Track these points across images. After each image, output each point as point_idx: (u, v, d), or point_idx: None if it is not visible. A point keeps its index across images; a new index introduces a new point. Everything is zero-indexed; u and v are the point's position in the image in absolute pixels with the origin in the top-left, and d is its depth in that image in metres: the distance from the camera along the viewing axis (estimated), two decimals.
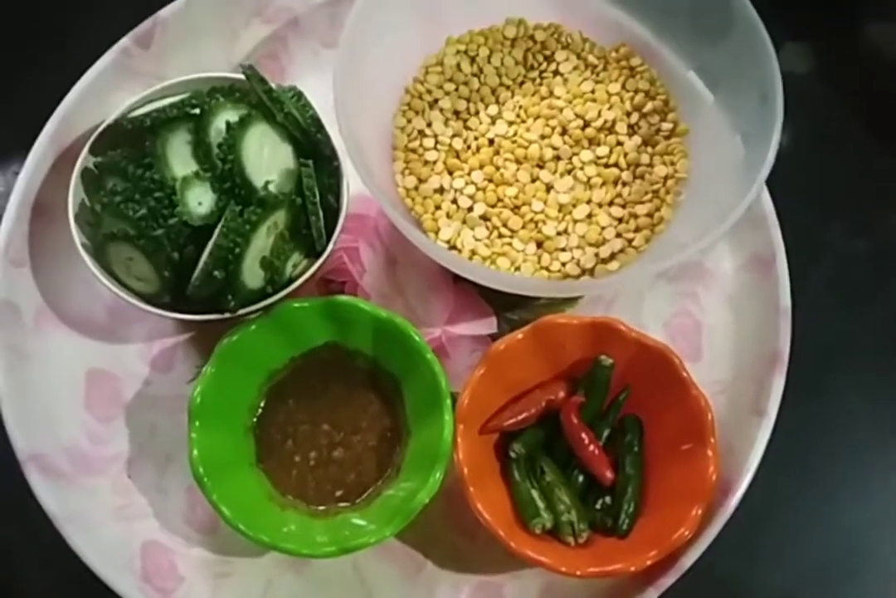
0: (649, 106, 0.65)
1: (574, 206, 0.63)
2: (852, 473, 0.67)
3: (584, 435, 0.59)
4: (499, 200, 0.63)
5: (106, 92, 0.65)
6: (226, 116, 0.58)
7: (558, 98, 0.66)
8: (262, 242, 0.57)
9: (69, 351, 0.63)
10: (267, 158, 0.58)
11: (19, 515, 0.62)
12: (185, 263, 0.57)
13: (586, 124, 0.65)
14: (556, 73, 0.67)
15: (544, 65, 0.67)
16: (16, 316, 0.62)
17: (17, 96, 0.72)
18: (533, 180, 0.64)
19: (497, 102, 0.66)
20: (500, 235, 0.63)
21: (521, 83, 0.67)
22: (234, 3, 0.68)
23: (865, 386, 0.69)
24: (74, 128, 0.64)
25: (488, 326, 0.63)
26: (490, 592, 0.61)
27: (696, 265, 0.67)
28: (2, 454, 0.60)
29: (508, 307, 0.64)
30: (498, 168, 0.64)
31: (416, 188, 0.64)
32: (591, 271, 0.63)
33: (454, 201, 0.64)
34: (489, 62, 0.67)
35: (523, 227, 0.63)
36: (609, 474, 0.59)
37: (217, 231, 0.56)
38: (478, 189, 0.64)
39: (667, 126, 0.65)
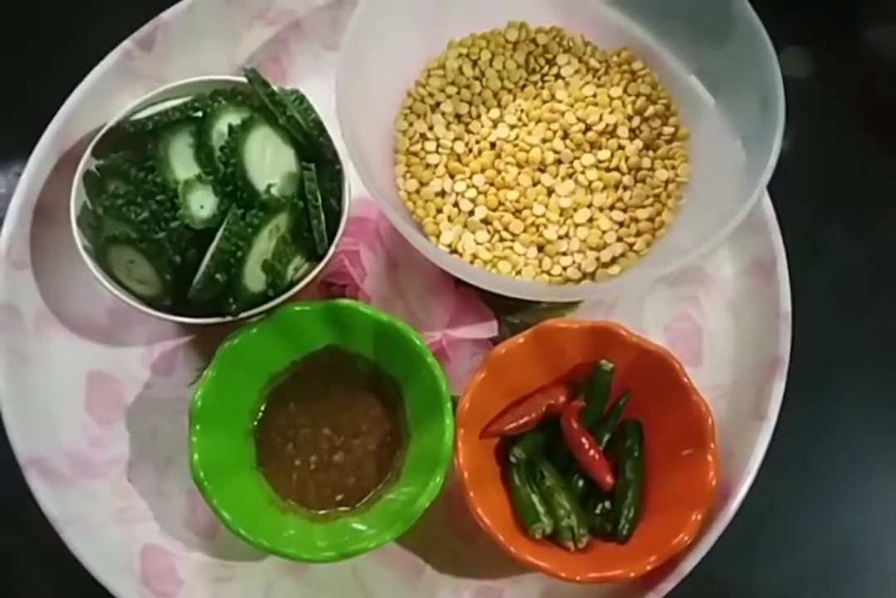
0: (650, 110, 0.65)
1: (575, 210, 0.63)
2: (852, 476, 0.67)
3: (584, 440, 0.59)
4: (500, 203, 0.63)
5: (108, 94, 0.65)
6: (228, 119, 0.58)
7: (560, 102, 0.66)
8: (263, 245, 0.57)
9: (70, 354, 0.63)
10: (269, 162, 0.58)
11: (19, 518, 0.62)
12: (186, 266, 0.57)
13: (588, 128, 0.65)
14: (557, 76, 0.67)
15: (546, 68, 0.67)
16: (17, 319, 0.62)
17: (19, 98, 0.72)
18: (534, 184, 0.64)
19: (499, 105, 0.66)
20: (502, 239, 0.63)
21: (523, 87, 0.67)
22: (235, 5, 0.68)
23: (865, 390, 0.69)
24: (76, 130, 0.64)
25: (489, 329, 0.63)
26: (490, 596, 0.61)
27: (696, 270, 0.67)
28: (2, 458, 0.60)
29: (509, 311, 0.64)
30: (499, 172, 0.64)
31: (418, 192, 0.64)
32: (592, 275, 0.63)
33: (455, 205, 0.64)
34: (491, 65, 0.67)
35: (524, 230, 0.63)
36: (609, 479, 0.59)
37: (219, 234, 0.56)
38: (479, 193, 0.64)
39: (668, 130, 0.65)
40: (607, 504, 0.60)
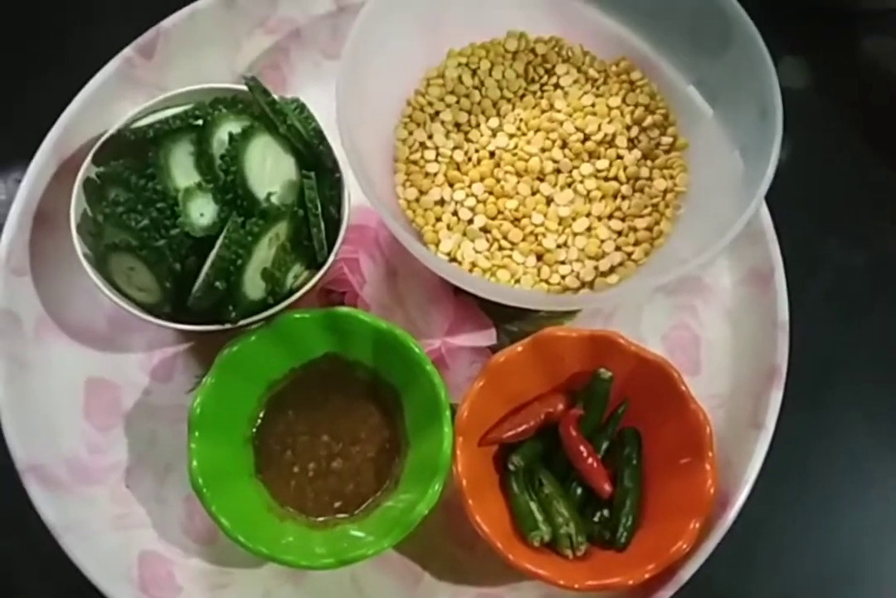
0: (649, 120, 0.66)
1: (574, 219, 0.64)
2: (850, 484, 0.67)
3: (582, 448, 0.59)
4: (499, 212, 0.64)
5: (109, 101, 0.65)
6: (228, 127, 0.59)
7: (559, 111, 0.66)
8: (263, 253, 0.57)
9: (69, 360, 0.63)
10: (269, 170, 0.59)
11: (17, 525, 0.62)
12: (186, 273, 0.57)
13: (586, 138, 0.65)
14: (556, 86, 0.67)
15: (545, 78, 0.67)
16: (16, 325, 0.62)
17: (19, 104, 0.72)
18: (533, 193, 0.64)
19: (498, 114, 0.66)
20: (501, 248, 0.63)
21: (522, 96, 0.67)
22: (236, 13, 0.69)
23: (863, 398, 0.69)
24: (77, 137, 0.64)
25: (488, 337, 0.64)
26: None
27: (694, 279, 0.67)
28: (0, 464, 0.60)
29: (508, 319, 0.64)
30: (498, 181, 0.64)
31: (417, 200, 0.65)
32: (591, 284, 0.63)
33: (455, 213, 0.64)
34: (490, 75, 0.67)
35: (523, 239, 0.63)
36: (607, 487, 0.59)
37: (219, 242, 0.56)
38: (478, 201, 0.64)
39: (666, 140, 0.66)
40: (605, 512, 0.60)
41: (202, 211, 0.57)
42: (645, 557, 0.56)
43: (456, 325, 0.63)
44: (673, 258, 0.61)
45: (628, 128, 0.66)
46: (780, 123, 0.58)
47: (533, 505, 0.59)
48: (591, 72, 0.67)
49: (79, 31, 0.73)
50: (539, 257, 0.63)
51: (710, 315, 0.67)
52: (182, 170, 0.58)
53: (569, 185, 0.65)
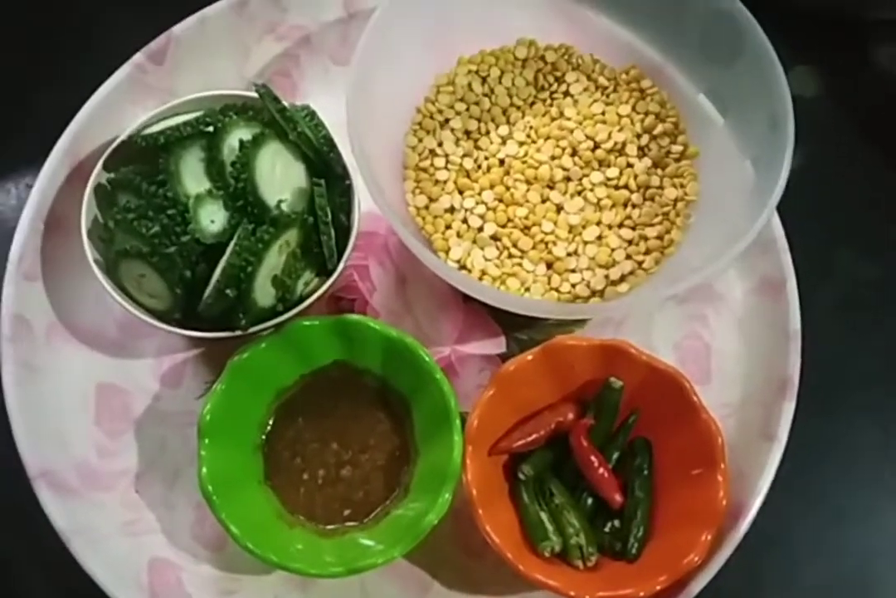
0: (659, 128, 0.66)
1: (584, 227, 0.64)
2: (862, 497, 0.67)
3: (593, 458, 0.59)
4: (509, 220, 0.64)
5: (119, 107, 0.65)
6: (239, 134, 0.59)
7: (569, 119, 0.66)
8: (273, 260, 0.57)
9: (79, 366, 0.63)
10: (279, 177, 0.59)
11: (26, 530, 0.62)
12: (196, 280, 0.57)
13: (596, 146, 0.65)
14: (566, 94, 0.67)
15: (555, 86, 0.67)
16: (27, 330, 0.62)
17: (31, 109, 0.72)
18: (543, 201, 0.64)
19: (508, 122, 0.66)
20: (511, 256, 0.63)
21: (532, 104, 0.67)
22: (246, 20, 0.69)
23: (875, 409, 0.69)
24: (88, 142, 0.64)
25: (497, 345, 0.63)
26: None
27: (705, 288, 0.67)
28: (8, 468, 0.60)
29: (517, 327, 0.64)
30: (508, 188, 0.64)
31: (427, 207, 0.65)
32: (601, 293, 0.63)
33: (464, 221, 0.64)
34: (500, 82, 0.67)
35: (533, 247, 0.63)
36: (618, 498, 0.58)
37: (229, 250, 0.56)
38: (488, 209, 0.64)
39: (677, 148, 0.66)
40: (616, 523, 0.59)
41: (213, 218, 0.57)
42: (656, 568, 0.56)
43: (465, 332, 0.63)
44: (684, 267, 0.61)
45: (638, 136, 0.66)
46: (792, 134, 0.58)
47: (543, 515, 0.58)
48: (602, 80, 0.67)
49: (90, 37, 0.73)
50: (549, 266, 0.63)
51: (721, 324, 0.67)
52: (193, 176, 0.58)
53: (579, 193, 0.65)
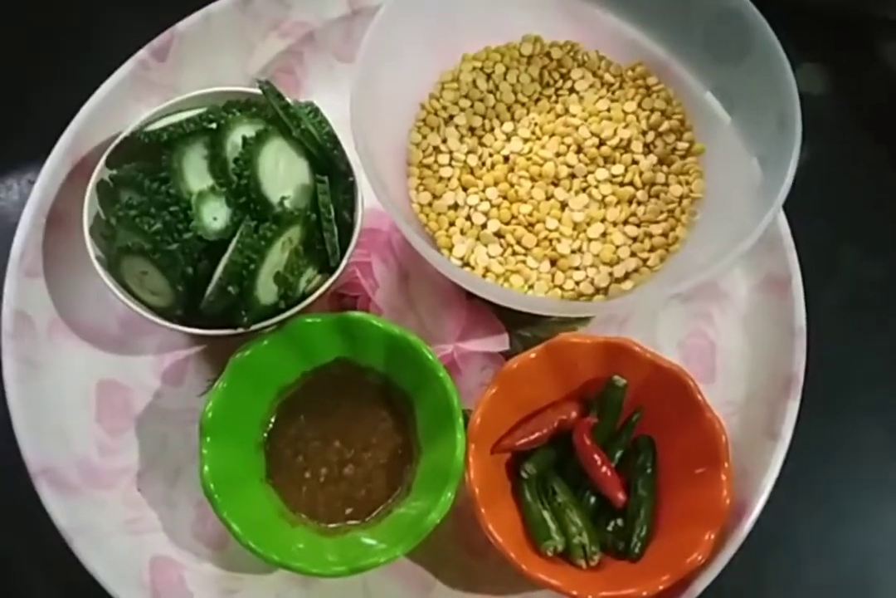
0: (665, 125, 0.65)
1: (588, 224, 0.63)
2: (866, 496, 0.66)
3: (596, 456, 0.58)
4: (513, 217, 0.63)
5: (122, 103, 0.65)
6: (242, 130, 0.58)
7: (574, 116, 0.66)
8: (276, 257, 0.57)
9: (81, 362, 0.63)
10: (282, 174, 0.58)
11: (27, 527, 0.62)
12: (199, 277, 0.57)
13: (602, 143, 0.65)
14: (571, 90, 0.67)
15: (560, 82, 0.67)
16: (29, 327, 0.62)
17: (33, 105, 0.72)
18: (547, 198, 0.64)
19: (512, 118, 0.66)
20: (514, 253, 0.63)
21: (537, 100, 0.67)
22: (250, 16, 0.69)
23: (880, 408, 0.68)
24: (90, 139, 0.64)
25: (500, 343, 0.63)
26: None
27: (710, 286, 0.66)
28: (9, 465, 0.59)
29: (521, 324, 0.64)
30: (512, 185, 0.64)
31: (431, 204, 0.64)
32: (605, 290, 0.62)
33: (468, 218, 0.64)
34: (505, 79, 0.67)
35: (537, 244, 0.63)
36: (621, 496, 0.58)
37: (232, 247, 0.56)
38: (492, 206, 0.64)
39: (682, 145, 0.65)
40: (619, 522, 0.59)
41: (215, 215, 0.57)
42: (659, 568, 0.56)
43: (468, 330, 0.63)
44: (689, 265, 0.61)
45: (644, 133, 0.65)
46: (799, 134, 0.57)
47: (546, 514, 0.58)
48: (607, 76, 0.67)
49: (93, 33, 0.73)
50: (553, 263, 0.63)
51: (726, 322, 0.66)
52: (195, 173, 0.58)
53: (583, 190, 0.64)
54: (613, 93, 0.67)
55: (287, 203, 0.58)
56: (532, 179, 0.64)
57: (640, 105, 0.66)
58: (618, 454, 0.60)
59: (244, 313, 0.57)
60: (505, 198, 0.64)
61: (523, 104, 0.67)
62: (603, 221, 0.64)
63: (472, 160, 0.65)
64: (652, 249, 0.63)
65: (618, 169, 0.64)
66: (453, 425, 0.57)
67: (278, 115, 0.59)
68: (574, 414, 0.60)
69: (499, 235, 0.63)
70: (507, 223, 0.63)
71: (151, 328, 0.61)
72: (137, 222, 0.56)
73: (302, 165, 0.60)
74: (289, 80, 0.69)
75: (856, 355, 0.69)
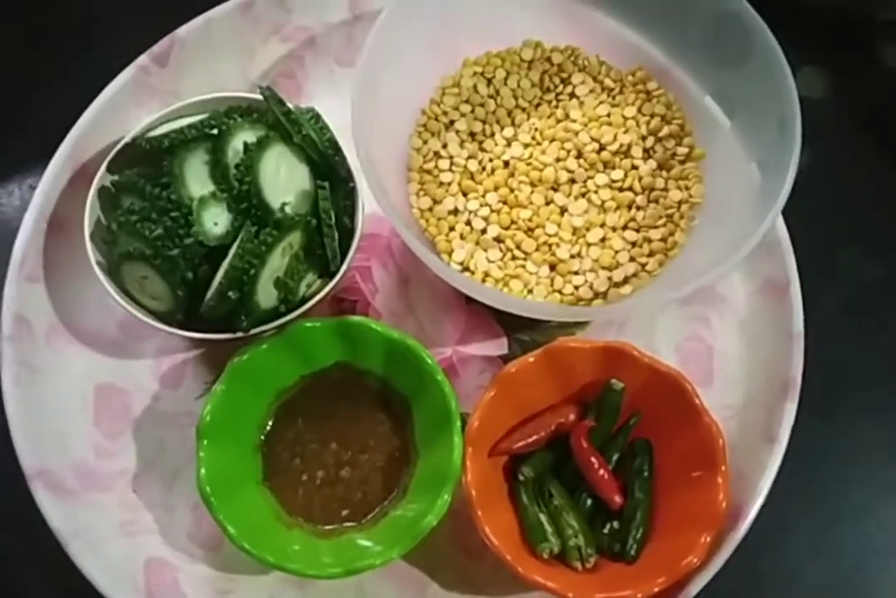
0: (665, 130, 0.65)
1: (588, 229, 0.63)
2: (863, 498, 0.66)
3: (593, 459, 0.59)
4: (513, 222, 0.63)
5: (123, 108, 0.65)
6: (243, 136, 0.59)
7: (574, 121, 0.66)
8: (276, 262, 0.57)
9: (79, 366, 0.63)
10: (283, 180, 0.59)
11: (22, 529, 0.62)
12: (199, 282, 0.57)
13: (602, 148, 0.65)
14: (572, 95, 0.67)
15: (560, 87, 0.67)
16: (28, 331, 0.62)
17: (35, 111, 0.72)
18: (547, 203, 0.64)
19: (513, 124, 0.66)
20: (514, 258, 0.63)
21: (537, 105, 0.67)
22: (251, 21, 0.69)
23: (877, 411, 0.68)
24: (92, 144, 0.64)
25: (499, 347, 0.63)
26: None
27: (708, 290, 0.66)
28: (6, 467, 0.60)
29: (519, 329, 0.64)
30: (512, 190, 0.64)
31: (431, 209, 0.65)
32: (604, 295, 0.63)
33: (468, 223, 0.64)
34: (505, 84, 0.67)
35: (537, 249, 0.63)
36: (618, 499, 0.58)
37: (232, 252, 0.56)
38: (492, 211, 0.64)
39: (682, 150, 0.65)
40: (615, 524, 0.59)
41: (216, 220, 0.57)
42: (655, 570, 0.56)
43: (467, 334, 0.63)
44: (688, 269, 0.61)
45: (644, 138, 0.66)
46: (799, 139, 0.57)
47: (542, 517, 0.58)
48: (607, 81, 0.67)
49: (94, 39, 0.74)
50: (552, 268, 0.63)
51: (723, 326, 0.66)
52: (197, 179, 0.58)
53: (583, 195, 0.64)
54: (613, 98, 0.67)
55: (288, 209, 0.58)
56: (532, 184, 0.64)
57: (640, 110, 0.66)
58: (615, 457, 0.60)
59: (244, 317, 0.57)
60: (505, 203, 0.64)
61: (524, 109, 0.67)
62: (602, 226, 0.64)
63: (473, 165, 0.65)
64: (651, 254, 0.63)
65: (617, 174, 0.64)
66: (451, 428, 0.57)
67: (279, 120, 0.60)
68: (572, 417, 0.60)
69: (498, 239, 0.63)
70: (507, 228, 0.64)
71: (150, 332, 0.61)
72: (138, 228, 0.57)
73: (303, 170, 0.60)
74: (290, 85, 0.69)
75: (854, 357, 0.69)
